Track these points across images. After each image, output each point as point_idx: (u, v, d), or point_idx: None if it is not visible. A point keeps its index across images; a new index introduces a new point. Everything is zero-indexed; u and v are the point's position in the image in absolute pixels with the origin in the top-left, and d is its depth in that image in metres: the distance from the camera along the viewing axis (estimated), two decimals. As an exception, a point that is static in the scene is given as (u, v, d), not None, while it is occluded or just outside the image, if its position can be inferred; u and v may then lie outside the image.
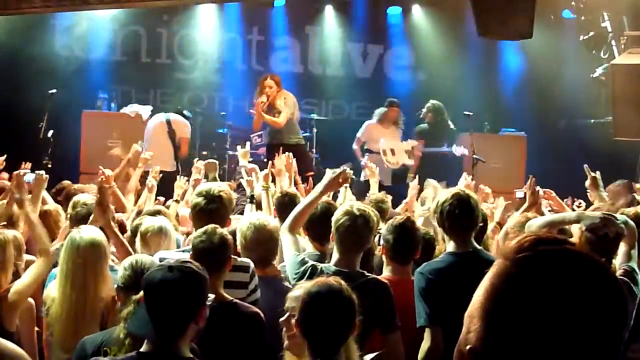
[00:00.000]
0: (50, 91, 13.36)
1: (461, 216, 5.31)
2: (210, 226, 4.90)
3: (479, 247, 5.44)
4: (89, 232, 5.21)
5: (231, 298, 4.76)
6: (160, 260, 5.04)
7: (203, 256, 4.58)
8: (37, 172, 7.22)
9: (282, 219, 6.31)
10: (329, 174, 5.76)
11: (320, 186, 5.77)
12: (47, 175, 7.17)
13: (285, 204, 6.98)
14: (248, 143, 10.04)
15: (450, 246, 5.37)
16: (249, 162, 9.50)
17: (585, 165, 7.44)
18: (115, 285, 4.64)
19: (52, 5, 6.45)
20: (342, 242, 5.10)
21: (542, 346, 1.57)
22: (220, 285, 4.73)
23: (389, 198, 8.54)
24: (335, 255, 5.13)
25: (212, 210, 5.40)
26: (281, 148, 10.12)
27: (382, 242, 5.73)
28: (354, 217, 5.07)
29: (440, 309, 4.99)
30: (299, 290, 3.86)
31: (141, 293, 4.21)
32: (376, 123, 13.98)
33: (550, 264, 1.61)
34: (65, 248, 5.13)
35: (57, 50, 15.72)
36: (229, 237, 4.89)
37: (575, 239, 5.65)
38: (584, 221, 5.47)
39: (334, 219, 5.17)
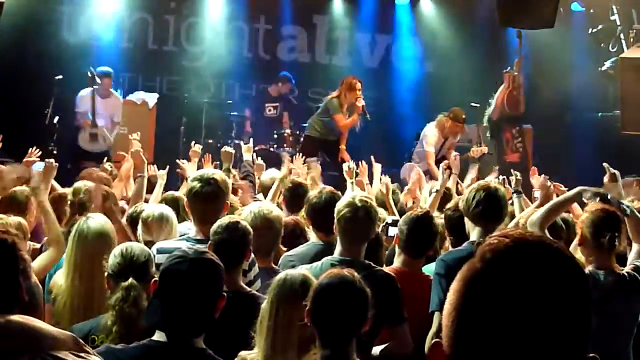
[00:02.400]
0: (56, 77, 13.37)
1: (489, 208, 5.37)
2: (231, 220, 4.88)
3: None
4: (97, 222, 5.19)
5: (249, 289, 4.75)
6: (159, 251, 5.04)
7: (224, 250, 4.55)
8: (46, 160, 7.20)
9: (291, 209, 6.31)
10: None
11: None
12: (57, 163, 7.14)
13: (295, 196, 7.06)
14: (251, 139, 10.11)
15: (474, 235, 5.40)
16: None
17: (605, 164, 7.38)
18: (105, 273, 4.60)
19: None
20: (344, 233, 5.09)
21: (508, 348, 1.57)
22: (239, 276, 4.73)
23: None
24: (339, 247, 5.11)
25: (207, 193, 5.31)
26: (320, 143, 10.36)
27: (390, 231, 5.73)
28: (356, 208, 5.04)
29: None
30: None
31: (130, 280, 4.21)
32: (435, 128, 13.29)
33: (516, 264, 1.60)
34: (73, 238, 5.11)
35: (64, 36, 15.69)
36: (249, 229, 4.86)
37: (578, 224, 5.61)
38: (586, 193, 5.47)
39: (336, 210, 5.16)
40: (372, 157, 9.72)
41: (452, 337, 1.65)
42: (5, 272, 3.09)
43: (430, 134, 12.97)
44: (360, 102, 12.49)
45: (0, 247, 3.11)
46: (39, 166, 7.21)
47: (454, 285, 1.68)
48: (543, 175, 7.43)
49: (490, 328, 1.58)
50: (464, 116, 13.06)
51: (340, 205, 5.16)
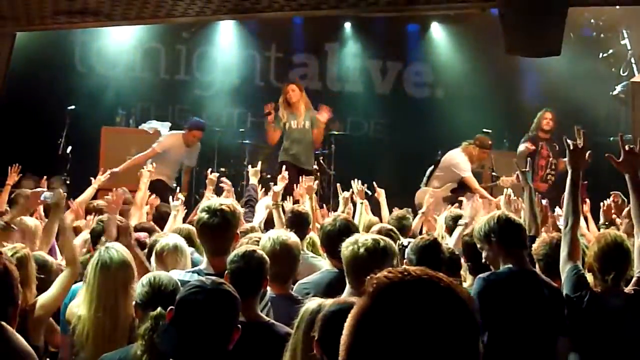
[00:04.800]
0: (69, 107, 13.42)
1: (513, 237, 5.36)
2: (247, 249, 4.86)
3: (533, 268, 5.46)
4: (119, 252, 5.19)
5: (267, 319, 4.71)
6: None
7: (240, 279, 4.56)
8: (55, 190, 7.23)
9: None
10: None
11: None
12: (65, 193, 7.17)
13: (295, 223, 6.99)
14: (259, 162, 10.03)
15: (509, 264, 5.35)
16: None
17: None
18: (133, 302, 4.62)
19: (77, 21, 6.52)
20: (349, 273, 5.05)
21: None
22: (256, 305, 4.69)
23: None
24: (348, 289, 5.03)
25: (214, 224, 5.24)
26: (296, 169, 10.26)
27: (406, 254, 5.72)
28: (357, 248, 4.98)
29: (491, 320, 4.99)
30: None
31: (159, 309, 4.20)
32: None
33: (397, 300, 1.67)
34: (94, 268, 5.10)
35: (76, 66, 15.79)
36: (266, 258, 4.84)
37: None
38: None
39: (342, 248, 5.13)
40: (374, 184, 9.68)
41: None
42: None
43: (461, 160, 12.91)
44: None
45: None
46: (47, 195, 7.22)
47: (347, 322, 1.75)
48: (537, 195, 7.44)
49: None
50: (490, 142, 13.09)
51: (345, 244, 5.10)
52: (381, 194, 9.69)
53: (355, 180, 9.21)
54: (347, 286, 5.03)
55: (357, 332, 1.69)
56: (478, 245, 5.47)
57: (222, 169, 14.45)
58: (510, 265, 5.29)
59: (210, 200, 6.10)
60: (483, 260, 5.48)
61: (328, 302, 3.94)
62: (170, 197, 8.99)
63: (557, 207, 8.61)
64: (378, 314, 1.67)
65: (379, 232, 6.55)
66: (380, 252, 4.99)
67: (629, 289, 5.30)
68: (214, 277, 4.01)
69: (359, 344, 1.68)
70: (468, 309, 1.70)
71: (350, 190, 9.03)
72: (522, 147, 13.58)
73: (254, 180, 9.15)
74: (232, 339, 3.62)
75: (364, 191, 8.65)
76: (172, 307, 3.65)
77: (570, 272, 5.26)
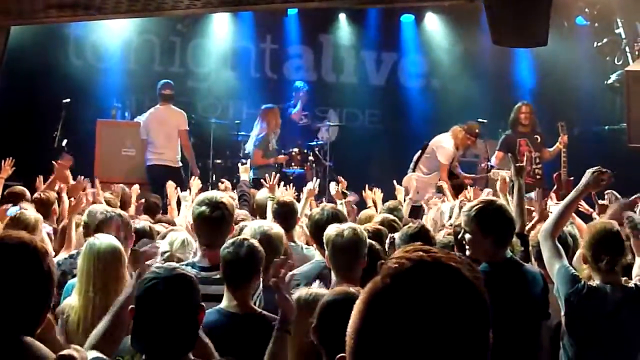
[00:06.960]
0: (64, 100, 13.41)
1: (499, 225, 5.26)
2: (238, 238, 4.87)
3: (514, 257, 5.39)
4: (107, 238, 5.29)
5: (260, 310, 4.68)
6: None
7: (231, 268, 4.58)
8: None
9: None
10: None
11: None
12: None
13: (281, 214, 6.99)
14: (249, 160, 10.18)
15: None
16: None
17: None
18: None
19: (68, 15, 6.53)
20: (333, 261, 5.12)
21: None
22: (248, 297, 4.68)
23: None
24: (334, 278, 5.09)
25: (217, 217, 5.27)
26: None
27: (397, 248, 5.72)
28: (341, 235, 5.10)
29: None
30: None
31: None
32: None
33: (412, 285, 1.64)
34: (84, 254, 5.18)
35: (71, 59, 15.77)
36: (259, 247, 4.82)
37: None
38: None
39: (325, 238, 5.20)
40: (367, 185, 9.70)
41: (353, 356, 1.70)
42: (40, 292, 3.12)
43: (448, 146, 12.91)
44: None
45: (38, 266, 3.12)
46: (13, 211, 7.23)
47: (356, 307, 1.71)
48: (538, 190, 7.44)
49: (389, 345, 1.63)
50: (477, 131, 13.06)
51: (328, 232, 5.21)
52: (369, 196, 9.68)
53: (333, 183, 9.20)
54: (334, 276, 5.08)
55: (370, 313, 1.67)
56: (464, 227, 5.38)
57: (217, 161, 14.49)
58: (491, 256, 5.25)
59: (206, 193, 6.08)
60: (460, 237, 5.44)
61: (318, 291, 3.98)
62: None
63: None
64: (392, 295, 1.65)
65: (382, 223, 6.61)
66: (352, 242, 5.11)
67: (632, 282, 5.31)
68: (166, 264, 4.05)
69: (371, 325, 1.67)
70: (477, 294, 1.69)
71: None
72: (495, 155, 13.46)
73: (244, 176, 9.19)
74: (199, 320, 3.62)
75: (341, 192, 8.67)
76: (132, 306, 3.63)
77: (563, 270, 5.22)
